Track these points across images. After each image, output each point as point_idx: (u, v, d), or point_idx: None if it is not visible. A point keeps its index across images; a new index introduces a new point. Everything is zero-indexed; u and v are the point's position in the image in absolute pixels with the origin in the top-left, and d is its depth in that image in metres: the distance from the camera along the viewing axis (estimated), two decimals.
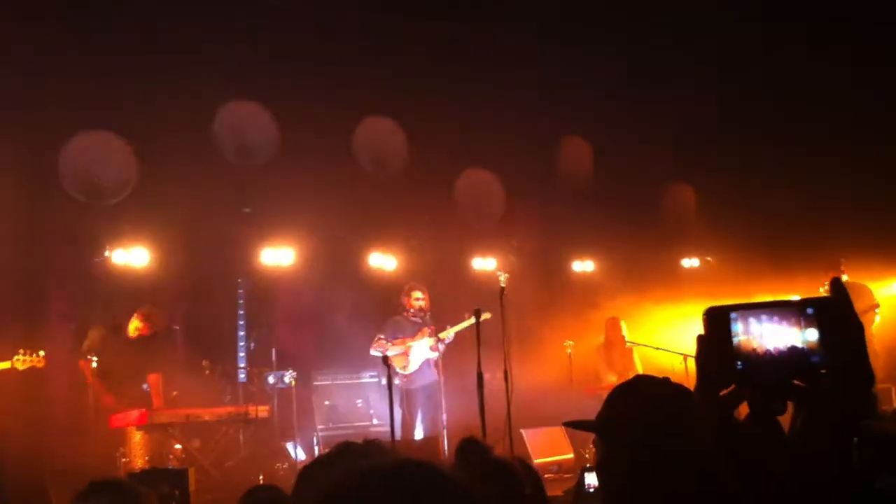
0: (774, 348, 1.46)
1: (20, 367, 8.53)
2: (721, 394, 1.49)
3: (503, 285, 8.77)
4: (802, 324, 1.45)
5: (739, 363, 1.47)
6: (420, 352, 10.32)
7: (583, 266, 13.70)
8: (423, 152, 12.06)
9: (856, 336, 1.43)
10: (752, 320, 1.47)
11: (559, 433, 10.73)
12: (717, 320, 1.49)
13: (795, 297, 1.48)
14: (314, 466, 2.63)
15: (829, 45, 11.35)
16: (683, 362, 10.58)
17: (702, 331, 1.51)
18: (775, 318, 1.46)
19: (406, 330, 10.41)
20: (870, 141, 12.05)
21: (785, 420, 1.51)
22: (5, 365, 8.49)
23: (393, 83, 11.85)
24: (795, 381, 1.47)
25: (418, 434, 10.13)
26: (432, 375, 10.37)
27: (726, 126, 12.66)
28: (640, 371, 10.96)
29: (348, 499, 1.21)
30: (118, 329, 9.84)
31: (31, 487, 7.79)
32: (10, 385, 8.73)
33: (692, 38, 11.66)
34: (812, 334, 1.44)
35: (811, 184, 12.16)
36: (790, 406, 1.50)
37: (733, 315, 1.48)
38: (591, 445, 9.67)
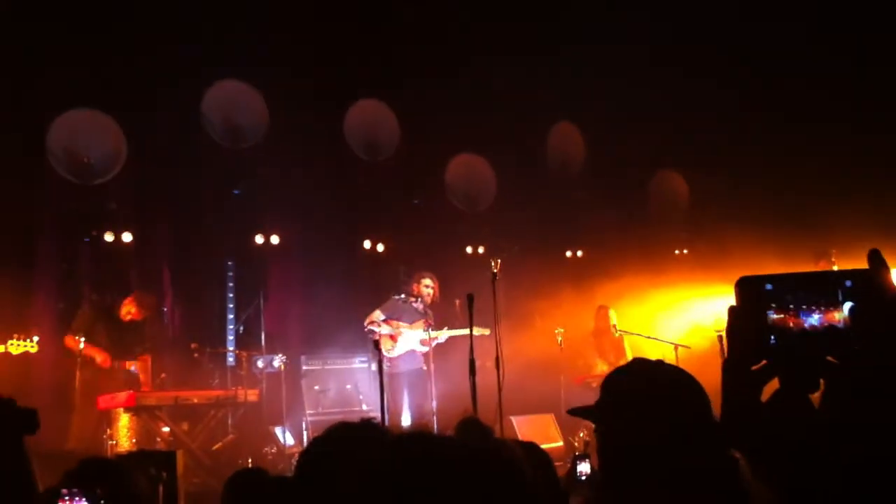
0: (809, 324, 1.39)
1: (14, 351, 8.51)
2: (752, 369, 1.42)
3: (495, 270, 8.67)
4: (840, 297, 1.38)
5: (773, 337, 1.40)
6: (409, 340, 10.23)
7: (574, 253, 13.65)
8: (415, 136, 12.00)
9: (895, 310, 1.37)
10: (786, 292, 1.40)
11: (548, 421, 10.69)
12: (750, 291, 1.41)
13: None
14: (318, 448, 2.57)
15: (828, 32, 11.36)
16: (675, 351, 10.56)
17: (733, 302, 1.44)
18: (812, 291, 1.39)
19: (404, 315, 10.31)
20: (862, 129, 12.03)
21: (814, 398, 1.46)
22: None
23: (386, 67, 11.79)
24: (829, 358, 1.40)
25: (405, 420, 10.06)
26: (417, 363, 10.28)
27: (717, 113, 12.63)
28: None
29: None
30: (109, 310, 9.75)
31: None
32: None
33: (684, 25, 11.63)
34: (849, 308, 1.38)
35: (801, 172, 12.14)
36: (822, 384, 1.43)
37: (768, 286, 1.41)
38: (581, 433, 9.68)
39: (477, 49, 11.90)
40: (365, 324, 10.31)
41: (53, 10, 9.91)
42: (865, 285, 1.37)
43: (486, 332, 8.86)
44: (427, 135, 12.11)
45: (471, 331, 8.07)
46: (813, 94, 11.86)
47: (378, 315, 10.24)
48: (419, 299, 10.34)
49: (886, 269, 1.37)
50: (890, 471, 1.30)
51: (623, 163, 12.98)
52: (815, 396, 1.44)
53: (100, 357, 9.27)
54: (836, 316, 1.38)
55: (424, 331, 10.17)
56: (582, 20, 11.60)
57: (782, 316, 1.40)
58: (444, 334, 10.18)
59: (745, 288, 1.42)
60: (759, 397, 1.43)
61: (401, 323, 10.24)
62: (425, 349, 10.21)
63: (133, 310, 9.65)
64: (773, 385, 1.44)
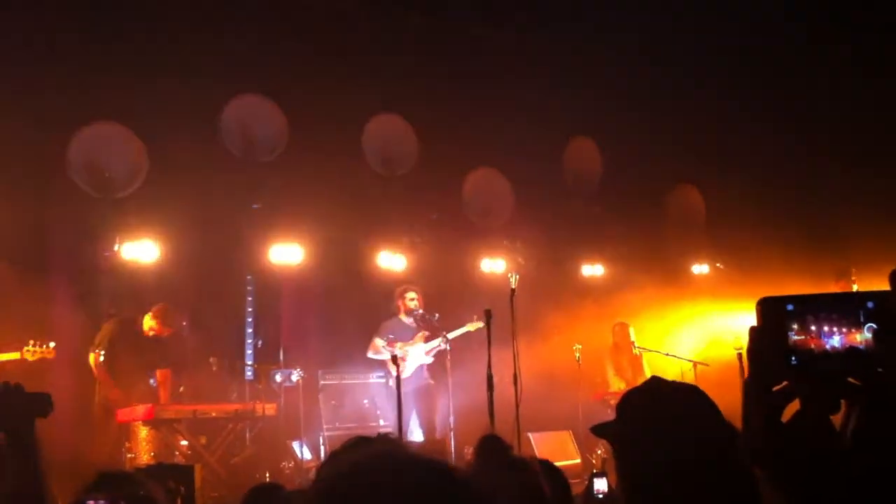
0: (830, 345, 1.39)
1: (30, 358, 8.50)
2: (773, 389, 1.42)
3: (513, 287, 8.67)
4: (861, 318, 1.38)
5: (794, 358, 1.39)
6: (415, 357, 10.28)
7: (592, 269, 13.59)
8: (432, 151, 11.99)
9: None
10: (808, 313, 1.40)
11: (566, 437, 10.66)
12: (772, 312, 1.41)
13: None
14: (332, 462, 2.57)
15: (843, 47, 11.32)
16: (693, 369, 10.53)
17: (754, 321, 1.44)
18: (833, 312, 1.39)
19: (401, 333, 10.35)
20: (884, 146, 11.96)
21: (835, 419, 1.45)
22: (14, 356, 8.45)
23: (402, 81, 11.80)
24: (850, 379, 1.40)
25: (417, 436, 10.04)
26: (424, 379, 10.34)
27: (737, 130, 12.59)
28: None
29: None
30: (131, 324, 9.77)
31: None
32: (16, 375, 8.65)
33: (701, 40, 11.61)
34: (871, 329, 1.37)
35: (823, 191, 12.08)
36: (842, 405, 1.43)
37: (789, 307, 1.40)
38: (598, 451, 9.65)
39: (491, 60, 11.91)
40: (369, 355, 10.35)
41: (72, 22, 9.95)
42: (887, 306, 1.37)
43: (480, 325, 8.99)
44: (444, 148, 12.09)
45: (489, 343, 8.09)
46: (835, 109, 11.81)
47: (379, 343, 10.25)
48: (410, 314, 10.38)
49: None
50: None
51: (642, 178, 12.93)
52: (837, 418, 1.44)
53: (113, 395, 9.31)
54: (857, 337, 1.38)
55: (426, 342, 10.23)
56: (601, 32, 11.60)
57: (804, 337, 1.39)
58: (450, 335, 10.17)
59: (767, 308, 1.42)
60: (780, 418, 1.43)
61: (402, 344, 10.24)
62: (431, 359, 10.27)
63: (155, 325, 9.65)
64: (795, 406, 1.44)
